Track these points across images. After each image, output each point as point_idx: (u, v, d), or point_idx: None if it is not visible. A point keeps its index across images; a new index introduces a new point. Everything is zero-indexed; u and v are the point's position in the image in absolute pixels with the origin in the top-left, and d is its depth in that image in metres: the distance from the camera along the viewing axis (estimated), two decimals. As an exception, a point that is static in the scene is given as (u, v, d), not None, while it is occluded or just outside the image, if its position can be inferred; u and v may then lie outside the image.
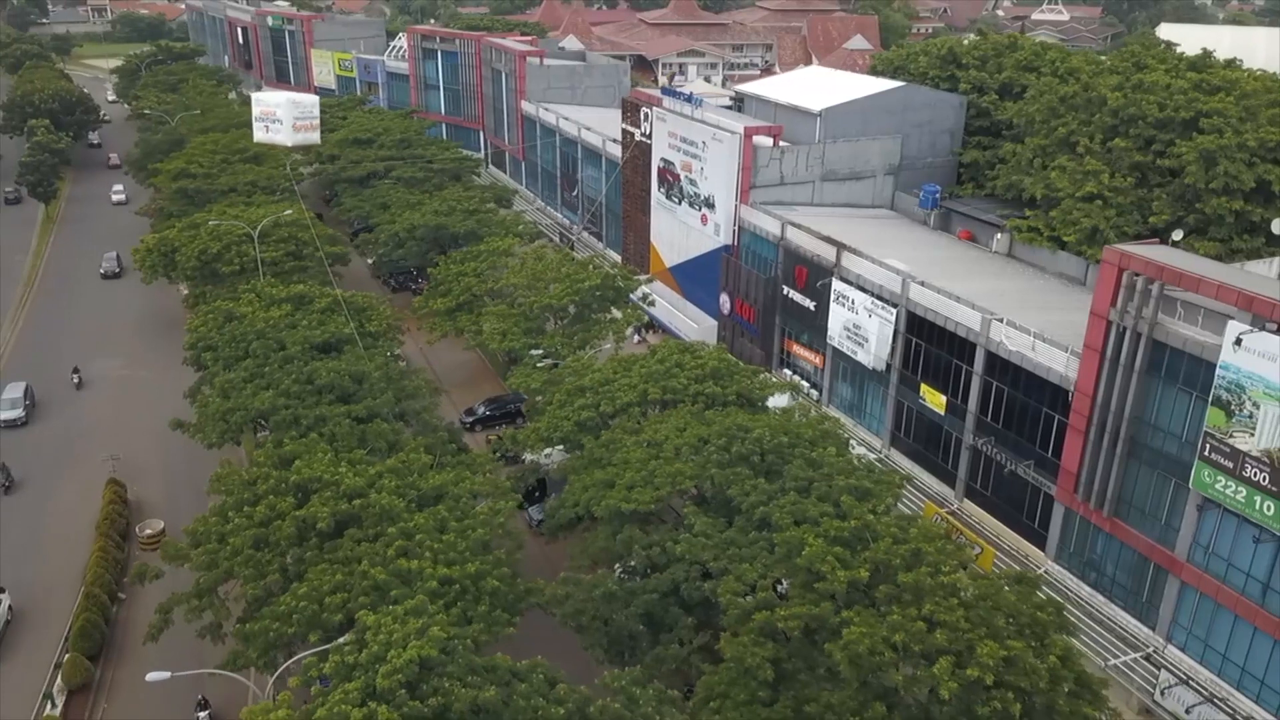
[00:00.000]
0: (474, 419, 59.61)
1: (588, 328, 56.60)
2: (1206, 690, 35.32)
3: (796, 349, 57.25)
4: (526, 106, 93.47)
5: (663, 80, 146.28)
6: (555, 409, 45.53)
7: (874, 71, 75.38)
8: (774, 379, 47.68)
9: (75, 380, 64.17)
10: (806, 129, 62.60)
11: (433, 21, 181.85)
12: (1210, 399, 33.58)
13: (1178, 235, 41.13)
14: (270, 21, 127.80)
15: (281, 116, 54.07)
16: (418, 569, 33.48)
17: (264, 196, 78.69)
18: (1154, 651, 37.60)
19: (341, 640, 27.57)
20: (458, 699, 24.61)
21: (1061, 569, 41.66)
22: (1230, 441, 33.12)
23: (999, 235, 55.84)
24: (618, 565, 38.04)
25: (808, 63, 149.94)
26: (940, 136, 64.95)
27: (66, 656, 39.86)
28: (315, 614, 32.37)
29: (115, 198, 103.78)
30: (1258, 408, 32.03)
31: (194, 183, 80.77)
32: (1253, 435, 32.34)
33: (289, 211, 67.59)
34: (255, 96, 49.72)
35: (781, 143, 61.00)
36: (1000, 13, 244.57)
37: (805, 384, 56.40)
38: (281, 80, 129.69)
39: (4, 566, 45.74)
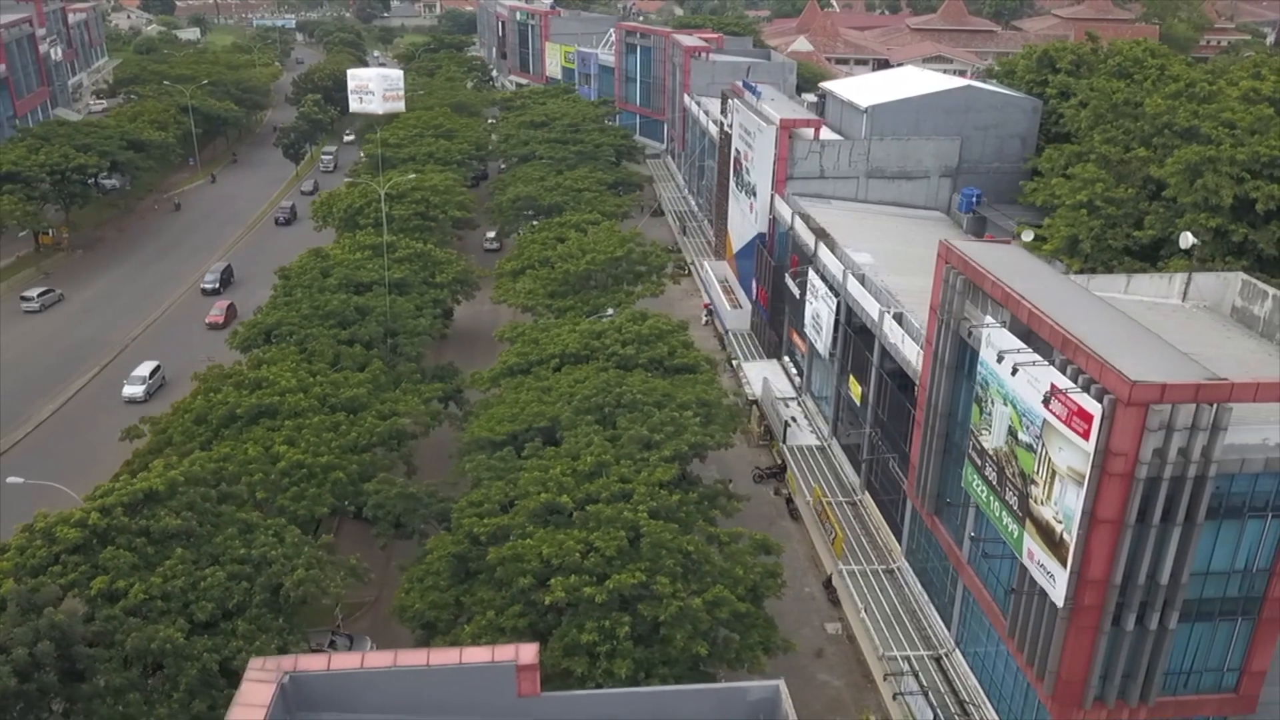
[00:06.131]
0: (514, 368, 66.07)
1: (602, 295, 61.18)
2: (922, 685, 35.03)
3: (795, 336, 58.57)
4: (686, 99, 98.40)
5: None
6: (504, 356, 51.20)
7: (988, 75, 73.18)
8: (694, 352, 50.04)
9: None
10: (858, 125, 63.01)
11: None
12: (974, 396, 33.13)
13: (1028, 236, 39.31)
14: (518, 16, 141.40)
15: (373, 89, 62.15)
16: (283, 453, 40.84)
17: (435, 167, 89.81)
18: (945, 654, 37.02)
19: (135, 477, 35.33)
20: (156, 521, 31.56)
21: (907, 565, 41.37)
22: (981, 440, 32.56)
23: (1011, 242, 53.88)
24: None
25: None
26: (1009, 141, 62.68)
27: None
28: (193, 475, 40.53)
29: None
30: (994, 405, 31.44)
31: (385, 150, 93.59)
32: (990, 434, 31.74)
33: (412, 176, 77.48)
34: (351, 72, 58.59)
35: (830, 136, 62.02)
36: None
37: (793, 369, 57.76)
38: (523, 69, 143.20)
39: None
